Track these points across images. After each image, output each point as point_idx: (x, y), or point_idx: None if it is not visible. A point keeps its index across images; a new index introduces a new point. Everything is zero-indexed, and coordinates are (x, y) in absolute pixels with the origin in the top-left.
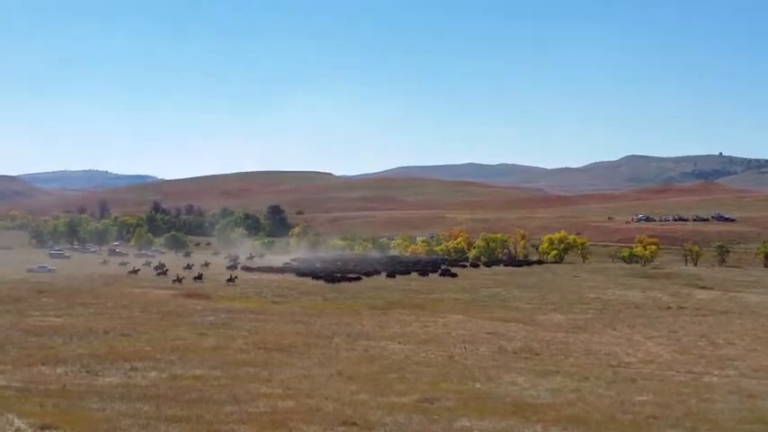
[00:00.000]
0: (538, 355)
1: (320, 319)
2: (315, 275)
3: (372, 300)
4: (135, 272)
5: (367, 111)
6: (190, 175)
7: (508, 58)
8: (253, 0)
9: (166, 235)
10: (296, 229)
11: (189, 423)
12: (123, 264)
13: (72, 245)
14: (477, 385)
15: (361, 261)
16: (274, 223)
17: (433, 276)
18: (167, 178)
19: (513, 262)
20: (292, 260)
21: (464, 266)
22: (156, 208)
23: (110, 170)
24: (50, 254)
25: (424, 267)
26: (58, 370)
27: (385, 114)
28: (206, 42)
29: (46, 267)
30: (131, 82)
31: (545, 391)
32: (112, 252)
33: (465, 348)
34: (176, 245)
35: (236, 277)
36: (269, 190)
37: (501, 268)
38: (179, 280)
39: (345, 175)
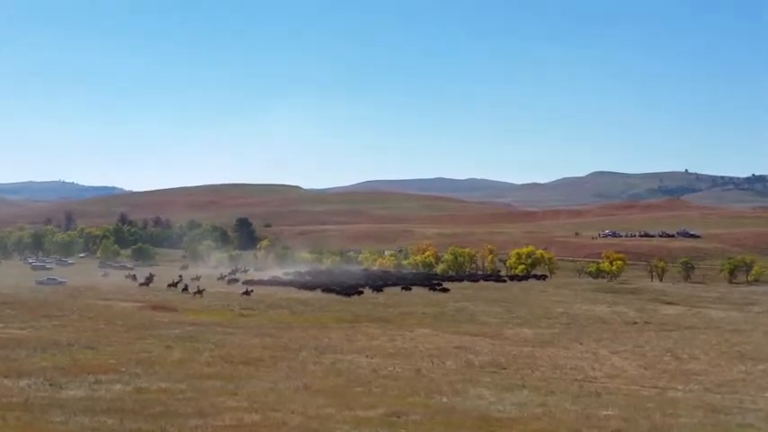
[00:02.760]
0: (504, 369)
1: (288, 333)
2: (326, 288)
3: (340, 313)
4: (146, 284)
5: (336, 125)
6: (157, 188)
7: (477, 75)
8: (223, 13)
9: (133, 247)
10: (264, 242)
11: None
12: (129, 276)
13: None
14: (444, 399)
15: (352, 275)
16: (242, 236)
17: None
18: (135, 190)
19: (495, 277)
20: (285, 273)
21: (456, 281)
22: (123, 220)
23: (77, 181)
24: (33, 265)
25: (413, 282)
26: (21, 383)
27: (354, 128)
28: (175, 55)
29: (56, 279)
30: (99, 93)
31: (511, 405)
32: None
33: (432, 362)
34: (143, 257)
35: (251, 291)
36: (237, 203)
37: (491, 283)
38: (200, 292)
39: (314, 189)
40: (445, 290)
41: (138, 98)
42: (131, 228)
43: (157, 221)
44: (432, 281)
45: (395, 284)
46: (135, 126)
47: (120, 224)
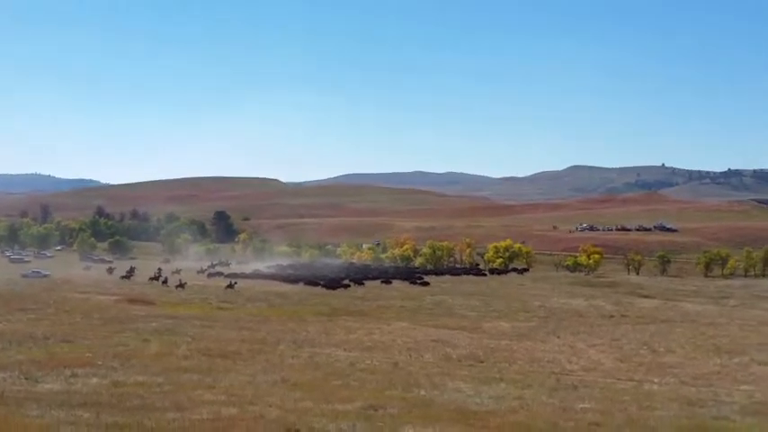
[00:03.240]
0: (482, 362)
1: (265, 326)
2: (310, 282)
3: (318, 306)
4: (127, 277)
5: (315, 118)
6: (135, 180)
7: (455, 69)
8: (202, 7)
9: (110, 240)
10: (242, 236)
11: (130, 430)
12: (110, 270)
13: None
14: (422, 392)
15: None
16: (220, 229)
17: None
18: (112, 183)
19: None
20: (267, 267)
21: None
22: (100, 213)
23: (53, 174)
24: (12, 258)
25: (394, 275)
26: None
27: (333, 122)
28: (152, 49)
29: (40, 273)
30: (76, 86)
31: (489, 398)
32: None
33: (410, 356)
34: (119, 250)
35: (235, 283)
36: (215, 196)
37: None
38: (182, 285)
39: (292, 182)
40: (426, 283)
41: (116, 91)
42: (108, 221)
43: (134, 214)
44: (413, 274)
45: (376, 278)
46: (112, 119)
47: (96, 217)
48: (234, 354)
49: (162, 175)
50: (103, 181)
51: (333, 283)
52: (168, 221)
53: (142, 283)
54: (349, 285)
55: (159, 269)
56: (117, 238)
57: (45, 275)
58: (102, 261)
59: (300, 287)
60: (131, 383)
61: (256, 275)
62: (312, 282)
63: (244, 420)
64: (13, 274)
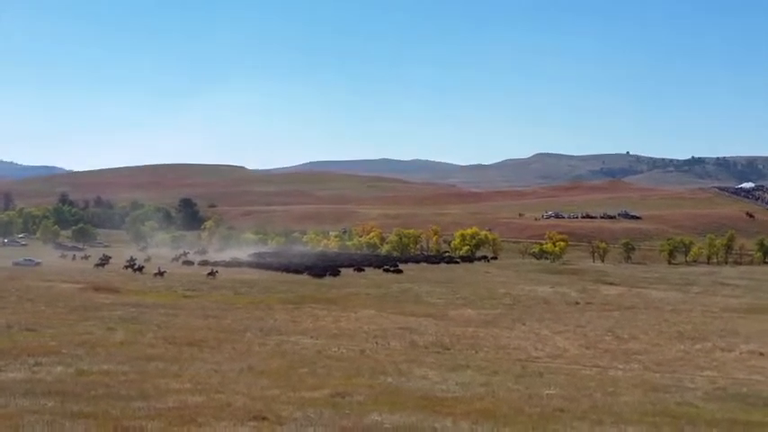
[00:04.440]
0: (449, 349)
1: (232, 314)
2: (296, 270)
3: (285, 294)
4: (101, 265)
5: (281, 105)
6: (99, 167)
7: (420, 55)
8: None
9: (74, 227)
10: (208, 223)
11: (95, 419)
12: (83, 257)
13: None
14: (389, 380)
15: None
16: (186, 216)
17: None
18: (76, 170)
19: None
20: (250, 255)
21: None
22: (64, 200)
23: (15, 161)
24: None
25: (369, 263)
26: None
27: (298, 109)
28: (116, 35)
29: (32, 261)
30: (39, 71)
31: (455, 385)
32: None
33: (377, 343)
34: (84, 237)
35: (216, 271)
36: (181, 183)
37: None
38: (161, 273)
39: (259, 169)
40: (399, 271)
41: (80, 77)
42: (72, 208)
43: (99, 202)
44: (391, 262)
45: (350, 266)
46: (76, 105)
47: (60, 204)
48: (200, 342)
49: (127, 161)
50: (67, 168)
51: (321, 271)
52: (133, 209)
53: (117, 272)
54: (338, 273)
55: (132, 257)
56: (81, 225)
57: (37, 263)
58: (75, 249)
59: (287, 275)
60: (96, 372)
61: (237, 263)
62: (297, 270)
63: (210, 408)
64: (6, 261)
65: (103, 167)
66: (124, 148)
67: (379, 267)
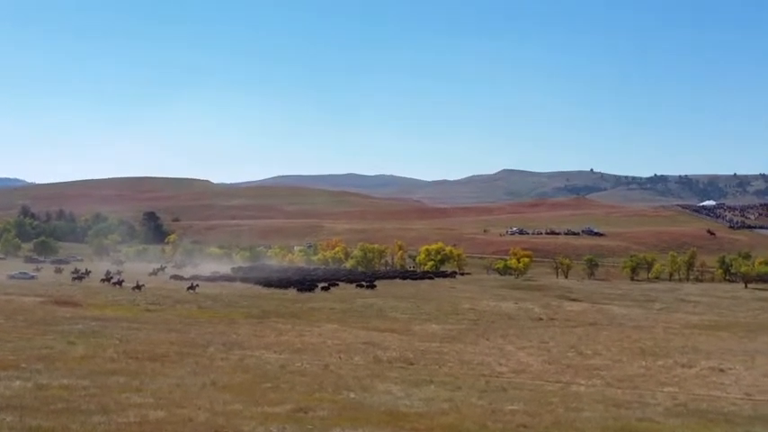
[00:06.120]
0: (412, 364)
1: (195, 328)
2: (280, 285)
3: (248, 308)
4: (80, 278)
5: (247, 119)
6: (62, 180)
7: (387, 70)
8: (135, 5)
9: (35, 240)
10: (171, 237)
11: None
12: (58, 270)
13: None
14: (352, 395)
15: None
16: (150, 230)
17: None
18: (38, 182)
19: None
20: (231, 269)
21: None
22: (25, 212)
23: None
24: None
25: (347, 278)
26: None
27: (264, 123)
28: (80, 47)
29: (27, 274)
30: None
31: (419, 400)
32: None
33: (340, 358)
34: (46, 251)
35: (197, 285)
36: (145, 196)
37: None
38: (139, 287)
39: (224, 183)
40: (373, 286)
41: (43, 90)
42: (33, 221)
43: (61, 215)
44: (367, 277)
45: (325, 280)
46: (39, 118)
47: (21, 217)
48: (162, 356)
49: (90, 174)
50: (29, 180)
51: (306, 286)
52: (96, 222)
53: (96, 286)
54: (328, 288)
55: (108, 271)
56: (43, 238)
57: (32, 277)
58: (45, 263)
59: (270, 290)
60: (56, 386)
61: (216, 277)
62: (281, 285)
63: (171, 424)
64: (5, 275)
65: (66, 180)
66: (87, 161)
67: (357, 282)
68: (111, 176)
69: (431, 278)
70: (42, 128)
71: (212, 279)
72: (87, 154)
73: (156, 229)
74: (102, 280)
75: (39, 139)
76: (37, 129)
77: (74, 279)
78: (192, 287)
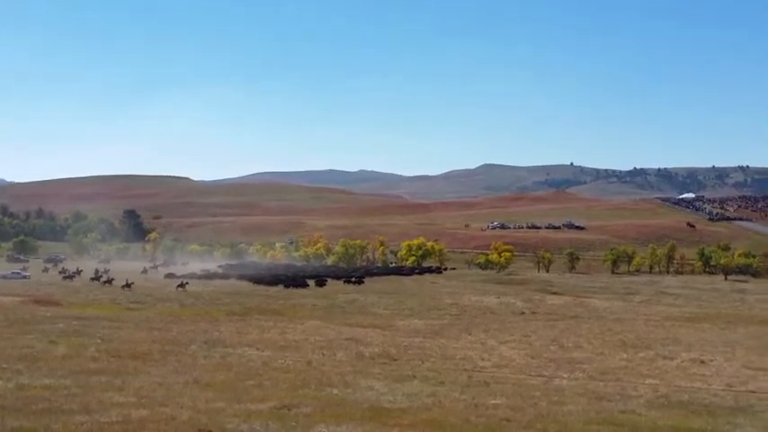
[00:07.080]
0: (395, 360)
1: (177, 326)
2: (271, 282)
3: (230, 306)
4: (70, 277)
5: (227, 116)
6: (41, 178)
7: (367, 66)
8: (113, 4)
9: (14, 240)
10: (152, 234)
11: None
12: (45, 269)
13: None
14: (335, 391)
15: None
16: (130, 228)
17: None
18: (16, 181)
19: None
20: (219, 266)
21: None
22: (4, 211)
23: None
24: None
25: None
26: None
27: (245, 120)
28: (61, 45)
29: (20, 274)
30: None
31: (402, 395)
32: None
33: (323, 354)
34: (25, 250)
35: (186, 283)
36: (125, 194)
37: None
38: (128, 285)
39: (204, 180)
40: (360, 282)
41: (22, 87)
42: (12, 220)
43: (40, 213)
44: (357, 274)
45: (313, 277)
46: (17, 116)
47: (0, 216)
48: (144, 355)
49: (69, 173)
50: (8, 179)
51: (301, 282)
52: (76, 220)
53: (85, 284)
54: (324, 283)
55: (97, 270)
56: (22, 237)
57: (24, 277)
58: (28, 262)
59: (262, 287)
60: (38, 386)
61: (207, 275)
62: (272, 282)
63: (154, 422)
64: None
65: (45, 178)
66: (67, 159)
67: (346, 278)
68: (90, 175)
69: (419, 274)
70: (21, 126)
71: (209, 277)
72: (67, 152)
73: (136, 227)
74: (92, 279)
75: (18, 138)
76: (16, 127)
77: (64, 278)
78: (181, 285)
